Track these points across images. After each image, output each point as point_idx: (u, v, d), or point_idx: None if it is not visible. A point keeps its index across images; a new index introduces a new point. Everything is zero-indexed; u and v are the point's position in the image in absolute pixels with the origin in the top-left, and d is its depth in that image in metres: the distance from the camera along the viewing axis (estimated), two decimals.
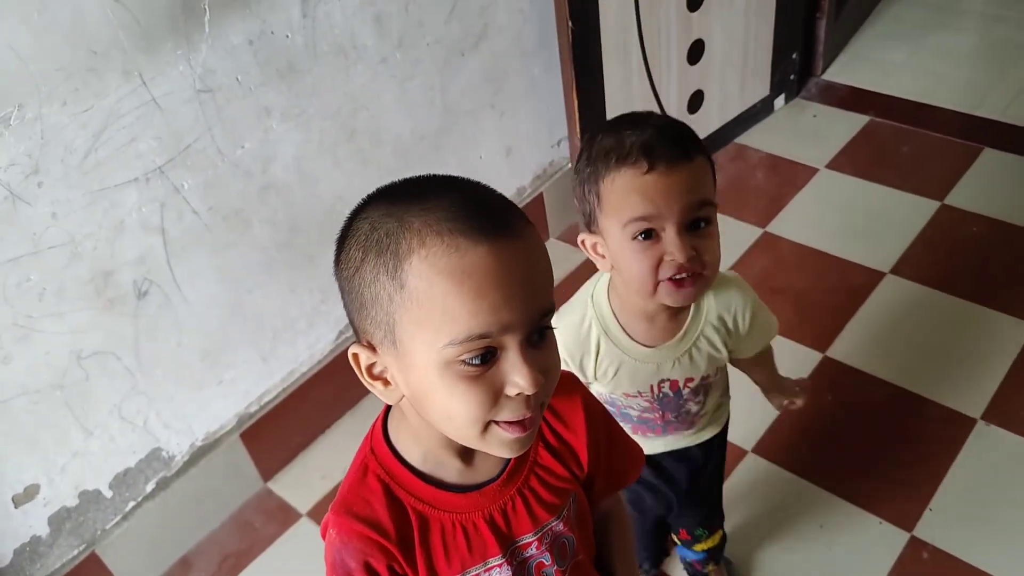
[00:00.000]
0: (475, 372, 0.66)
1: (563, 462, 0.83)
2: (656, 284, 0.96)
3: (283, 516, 1.77)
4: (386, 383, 0.72)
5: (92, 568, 1.58)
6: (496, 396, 0.67)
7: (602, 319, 1.08)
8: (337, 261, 0.71)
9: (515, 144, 2.08)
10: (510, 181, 2.12)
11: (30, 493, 1.46)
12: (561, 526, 0.83)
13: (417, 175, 0.71)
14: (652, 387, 1.11)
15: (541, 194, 2.20)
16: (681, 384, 1.12)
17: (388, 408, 0.78)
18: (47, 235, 1.32)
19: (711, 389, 1.17)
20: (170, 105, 1.39)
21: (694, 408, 1.17)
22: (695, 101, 2.32)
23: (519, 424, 0.69)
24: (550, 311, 0.68)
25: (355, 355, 0.72)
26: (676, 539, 1.44)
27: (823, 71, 2.69)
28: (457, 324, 0.64)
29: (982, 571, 1.49)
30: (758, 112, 2.54)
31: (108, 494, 1.57)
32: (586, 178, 0.97)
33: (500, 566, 0.80)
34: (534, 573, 0.83)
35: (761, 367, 1.24)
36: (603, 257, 1.01)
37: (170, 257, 1.49)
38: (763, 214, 2.26)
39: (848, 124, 2.52)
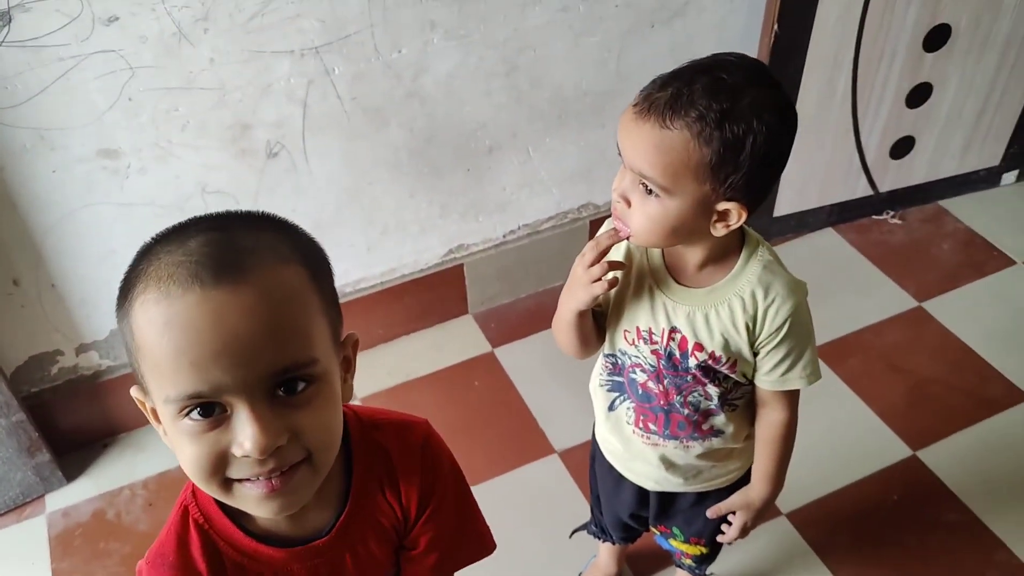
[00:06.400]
0: (200, 427, 0.60)
1: (394, 518, 0.78)
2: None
3: None
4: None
5: None
6: (222, 454, 0.61)
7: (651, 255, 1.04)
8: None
9: None
10: None
11: None
12: None
13: (206, 214, 0.66)
14: (664, 331, 1.03)
15: None
16: (690, 346, 1.03)
17: None
18: (201, 76, 1.48)
19: (725, 395, 1.07)
20: None
21: (702, 401, 1.08)
22: (901, 147, 2.13)
23: (264, 482, 0.62)
24: (294, 368, 0.61)
25: (139, 400, 0.68)
26: (653, 528, 1.34)
27: None
28: (166, 379, 0.59)
29: None
30: (978, 181, 2.28)
31: None
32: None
33: None
34: None
35: (768, 428, 1.12)
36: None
37: (305, 130, 1.62)
38: (927, 289, 2.06)
39: None
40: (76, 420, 1.76)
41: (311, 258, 0.66)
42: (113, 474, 1.77)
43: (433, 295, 1.98)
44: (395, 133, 1.70)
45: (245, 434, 0.59)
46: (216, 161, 1.58)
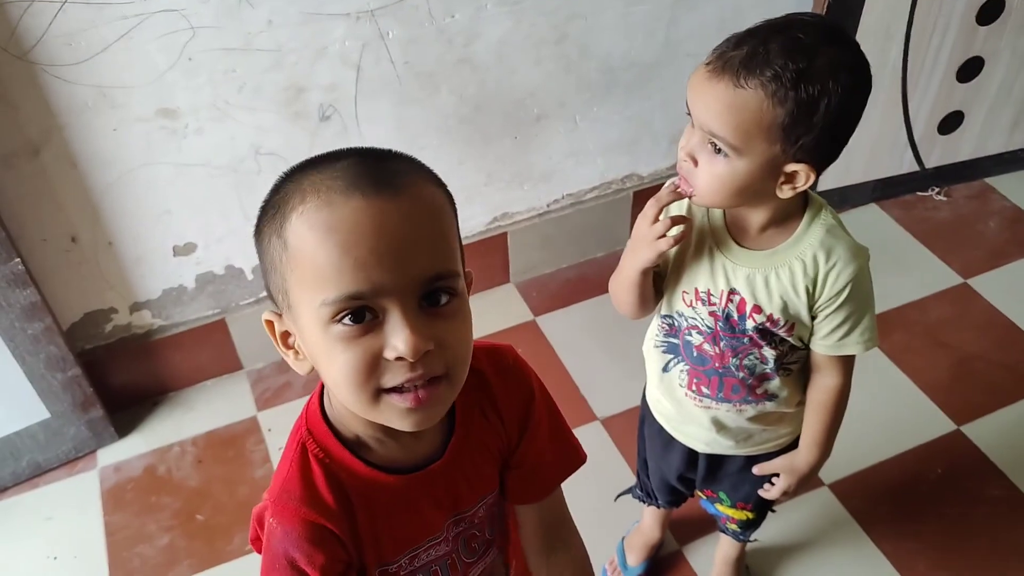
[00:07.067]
0: (353, 332, 0.63)
1: (497, 438, 0.83)
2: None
3: None
4: (297, 353, 0.70)
5: (218, 331, 1.83)
6: (375, 359, 0.63)
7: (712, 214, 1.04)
8: (255, 228, 0.69)
9: None
10: None
11: (188, 249, 1.70)
12: (493, 497, 0.85)
13: (337, 149, 0.69)
14: (723, 293, 1.04)
15: None
16: (749, 308, 1.04)
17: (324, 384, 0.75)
18: (259, 38, 1.49)
19: (780, 358, 1.07)
20: None
21: (758, 365, 1.08)
22: (950, 122, 2.11)
23: (411, 394, 0.65)
24: (443, 276, 0.64)
25: (268, 322, 0.71)
26: (700, 492, 1.36)
27: None
28: (327, 281, 0.61)
29: None
30: None
31: (249, 276, 1.80)
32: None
33: (439, 543, 0.81)
34: (468, 545, 0.85)
35: (820, 392, 1.12)
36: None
37: (358, 94, 1.63)
38: (973, 265, 2.05)
39: None
40: (128, 377, 1.80)
41: (444, 187, 0.69)
42: (163, 431, 1.81)
43: (476, 263, 1.98)
44: (446, 99, 1.71)
45: (399, 336, 0.62)
46: (270, 123, 1.60)
